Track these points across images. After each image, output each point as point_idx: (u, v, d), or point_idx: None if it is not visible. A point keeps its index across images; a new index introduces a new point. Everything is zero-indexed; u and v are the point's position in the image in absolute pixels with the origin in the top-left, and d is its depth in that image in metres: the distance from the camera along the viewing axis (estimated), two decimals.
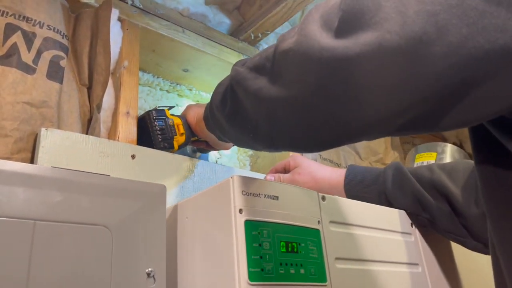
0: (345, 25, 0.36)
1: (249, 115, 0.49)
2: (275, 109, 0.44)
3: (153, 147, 0.78)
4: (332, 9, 0.39)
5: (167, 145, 0.79)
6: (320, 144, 0.45)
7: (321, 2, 0.42)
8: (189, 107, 0.84)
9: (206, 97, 1.26)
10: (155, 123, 0.79)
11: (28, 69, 0.69)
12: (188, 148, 1.00)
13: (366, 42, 0.34)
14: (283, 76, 0.42)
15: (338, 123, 0.40)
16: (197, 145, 0.89)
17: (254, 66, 0.48)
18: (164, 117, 0.80)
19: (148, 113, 0.81)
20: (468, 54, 0.31)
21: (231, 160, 1.21)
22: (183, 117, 0.82)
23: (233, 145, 0.89)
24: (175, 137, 0.79)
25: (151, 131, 0.79)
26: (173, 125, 0.80)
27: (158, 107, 0.83)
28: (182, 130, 0.80)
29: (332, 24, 0.38)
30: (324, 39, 0.37)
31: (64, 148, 0.66)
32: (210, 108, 0.62)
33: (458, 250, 0.84)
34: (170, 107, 0.84)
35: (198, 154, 1.02)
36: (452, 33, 0.31)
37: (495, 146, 0.41)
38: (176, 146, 0.80)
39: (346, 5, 0.37)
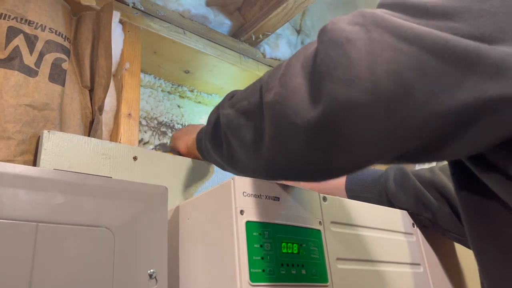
0: (320, 79, 0.38)
1: (246, 161, 0.52)
2: (268, 157, 0.47)
3: None
4: (309, 61, 0.41)
5: None
6: (320, 179, 0.49)
7: (299, 50, 0.45)
8: (176, 137, 0.85)
9: (207, 98, 1.26)
10: None
11: (30, 72, 0.69)
12: None
13: (342, 100, 0.36)
14: (272, 128, 0.44)
15: (331, 166, 0.43)
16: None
17: (244, 112, 0.50)
18: None
19: None
20: (433, 110, 0.34)
21: None
22: (173, 149, 0.83)
23: None
24: None
25: None
26: None
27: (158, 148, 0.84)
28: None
29: (311, 77, 0.40)
30: (307, 96, 0.39)
31: (66, 150, 0.66)
32: (204, 145, 0.63)
33: (461, 250, 0.84)
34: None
35: None
36: (417, 91, 0.34)
37: (472, 174, 0.43)
38: None
39: (320, 60, 0.39)
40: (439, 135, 0.36)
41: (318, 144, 0.40)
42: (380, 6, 0.40)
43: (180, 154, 0.82)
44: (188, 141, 0.79)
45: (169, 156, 0.78)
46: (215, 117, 0.57)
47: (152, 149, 1.05)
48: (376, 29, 0.36)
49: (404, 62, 0.34)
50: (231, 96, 0.56)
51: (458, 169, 0.47)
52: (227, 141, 0.54)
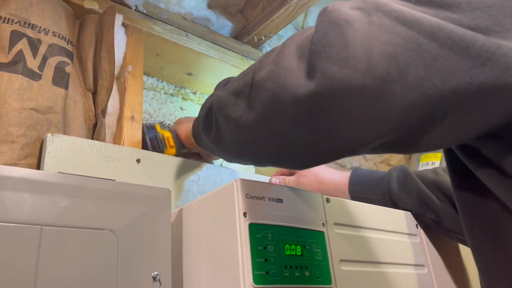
0: (316, 58, 0.38)
1: (232, 140, 0.52)
2: (254, 136, 0.47)
3: None
4: (305, 41, 0.41)
5: None
6: (301, 165, 0.49)
7: (296, 33, 0.45)
8: (179, 121, 0.86)
9: None
10: (146, 136, 0.83)
11: (34, 76, 0.70)
12: None
13: (336, 79, 0.36)
14: (260, 105, 0.44)
15: (315, 150, 0.43)
16: (188, 157, 0.90)
17: (234, 91, 0.50)
18: (155, 132, 0.84)
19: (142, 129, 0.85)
20: (425, 93, 0.35)
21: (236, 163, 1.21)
22: (173, 131, 0.84)
23: None
24: (165, 149, 0.82)
25: (143, 144, 0.83)
26: (163, 139, 0.83)
27: (148, 123, 0.87)
28: (172, 143, 0.83)
29: (306, 57, 0.40)
30: (299, 74, 0.40)
31: (70, 153, 0.66)
32: (196, 130, 0.64)
33: (464, 251, 0.83)
34: (160, 123, 0.88)
35: None
36: (411, 74, 0.35)
37: (469, 173, 0.43)
38: None
39: (316, 39, 0.39)
40: (428, 119, 0.36)
41: (305, 122, 0.40)
42: None
43: (178, 138, 0.82)
44: (188, 127, 0.80)
45: (172, 158, 0.78)
46: (209, 102, 0.57)
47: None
48: (376, 13, 0.37)
49: (401, 44, 0.35)
50: (226, 82, 0.57)
51: (455, 168, 0.47)
52: (216, 121, 0.54)
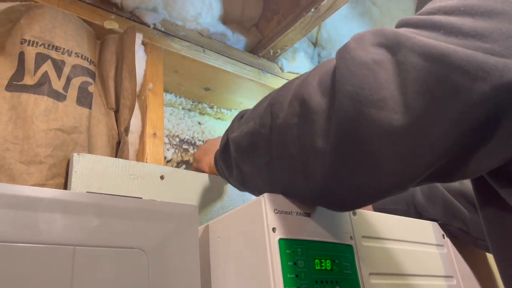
0: (344, 97, 0.37)
1: (259, 185, 0.52)
2: (290, 179, 0.46)
3: None
4: (327, 77, 0.40)
5: None
6: (341, 208, 0.49)
7: (314, 68, 0.44)
8: (198, 159, 0.84)
9: (227, 114, 1.27)
10: None
11: (59, 97, 0.71)
12: None
13: (374, 121, 0.36)
14: (288, 152, 0.43)
15: (361, 192, 0.42)
16: None
17: (252, 134, 0.49)
18: None
19: None
20: (466, 126, 0.35)
21: None
22: (198, 170, 0.84)
23: None
24: None
25: None
26: None
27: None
28: None
29: (329, 93, 0.39)
30: (329, 117, 0.39)
31: (95, 172, 0.67)
32: (220, 169, 0.63)
33: (493, 261, 0.82)
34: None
35: None
36: (449, 109, 0.34)
37: (493, 191, 0.43)
38: None
39: (342, 76, 0.38)
40: (469, 149, 0.36)
41: (344, 168, 0.39)
42: (403, 25, 0.39)
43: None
44: (210, 161, 0.79)
45: (196, 174, 0.79)
46: (225, 139, 0.57)
47: (175, 167, 1.06)
48: (400, 49, 0.36)
49: (432, 81, 0.34)
50: (240, 117, 0.56)
51: (480, 186, 0.46)
52: (236, 164, 0.54)
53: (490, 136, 0.35)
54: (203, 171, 0.81)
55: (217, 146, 0.65)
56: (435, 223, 0.76)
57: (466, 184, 0.76)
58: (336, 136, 0.38)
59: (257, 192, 0.56)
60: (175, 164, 1.08)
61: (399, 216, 0.71)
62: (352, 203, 0.46)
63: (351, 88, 0.37)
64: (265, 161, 0.47)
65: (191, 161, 1.10)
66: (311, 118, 0.40)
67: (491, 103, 0.33)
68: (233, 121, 0.58)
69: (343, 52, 0.39)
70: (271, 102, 0.47)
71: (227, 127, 0.59)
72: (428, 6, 0.39)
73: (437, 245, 0.73)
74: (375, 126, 0.36)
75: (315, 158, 0.41)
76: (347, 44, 0.40)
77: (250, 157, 0.50)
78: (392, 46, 0.37)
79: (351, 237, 0.60)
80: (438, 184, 0.78)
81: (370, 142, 0.37)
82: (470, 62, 0.33)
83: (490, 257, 0.82)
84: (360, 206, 0.46)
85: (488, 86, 0.33)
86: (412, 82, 0.35)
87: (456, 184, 0.77)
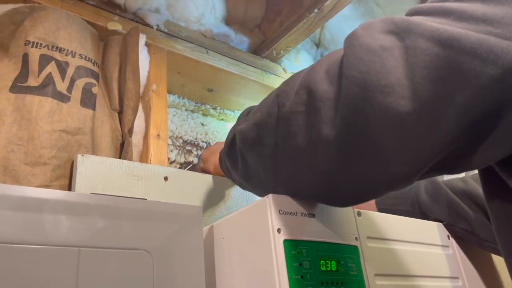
0: (351, 84, 0.37)
1: (262, 178, 0.51)
2: (290, 175, 0.45)
3: None
4: (335, 65, 0.40)
5: None
6: (345, 202, 0.47)
7: (322, 58, 0.43)
8: (205, 159, 0.84)
9: (230, 115, 1.27)
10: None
11: (63, 98, 0.71)
12: None
13: (380, 107, 0.35)
14: (294, 140, 0.42)
15: (367, 183, 0.41)
16: None
17: (257, 123, 0.48)
18: None
19: None
20: (476, 111, 0.34)
21: None
22: (204, 171, 0.84)
23: None
24: None
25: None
26: None
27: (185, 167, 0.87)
28: None
29: (337, 81, 0.39)
30: (336, 104, 0.38)
31: (99, 173, 0.67)
32: (224, 165, 0.63)
33: (498, 261, 0.82)
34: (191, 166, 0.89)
35: None
36: (459, 93, 0.34)
37: (502, 183, 0.42)
38: None
39: (349, 63, 0.38)
40: (480, 135, 0.35)
41: (349, 156, 0.39)
42: (414, 13, 0.39)
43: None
44: (215, 161, 0.79)
45: (200, 175, 0.79)
46: (232, 134, 0.57)
47: (179, 167, 1.06)
48: (409, 36, 0.36)
49: (442, 65, 0.34)
50: (247, 113, 0.55)
51: (488, 178, 0.46)
52: (242, 156, 0.53)
53: (498, 124, 0.34)
54: (208, 172, 0.81)
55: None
56: (440, 224, 0.76)
57: (471, 184, 0.75)
58: (342, 123, 0.37)
59: (259, 188, 0.55)
60: (178, 165, 1.08)
61: (403, 217, 0.71)
62: (356, 196, 0.44)
63: (358, 74, 0.37)
64: (271, 151, 0.46)
65: (194, 162, 1.10)
66: (318, 106, 0.40)
67: (502, 87, 0.33)
68: (240, 117, 0.58)
69: (351, 39, 0.39)
70: (278, 93, 0.46)
71: (234, 124, 0.59)
72: None
73: (442, 246, 0.73)
74: (382, 112, 0.35)
75: (321, 147, 0.40)
76: (355, 31, 0.39)
77: (256, 149, 0.49)
78: (401, 32, 0.36)
79: (356, 238, 0.59)
80: (443, 185, 0.77)
81: (376, 129, 0.36)
82: (482, 45, 0.33)
83: (495, 258, 0.82)
84: (364, 199, 0.45)
85: (499, 69, 0.32)
86: (420, 67, 0.34)
87: (460, 184, 0.76)
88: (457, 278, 0.71)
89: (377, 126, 0.36)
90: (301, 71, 0.46)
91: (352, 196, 0.45)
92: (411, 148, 0.36)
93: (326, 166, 0.41)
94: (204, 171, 0.82)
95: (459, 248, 0.76)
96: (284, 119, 0.44)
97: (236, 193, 0.82)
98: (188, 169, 0.87)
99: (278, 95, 0.46)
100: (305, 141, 0.41)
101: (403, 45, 0.36)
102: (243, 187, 0.61)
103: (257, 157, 0.50)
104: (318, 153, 0.41)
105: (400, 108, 0.35)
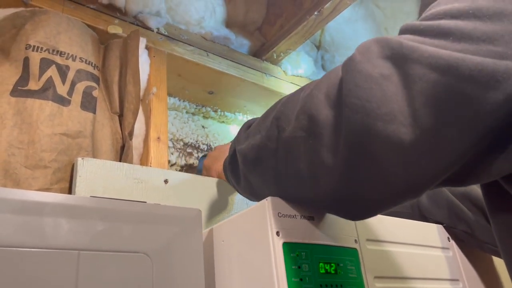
0: (352, 112, 0.37)
1: (270, 195, 0.52)
2: (298, 191, 0.46)
3: None
4: (334, 90, 0.40)
5: None
6: (352, 218, 0.49)
7: (320, 80, 0.43)
8: (208, 167, 0.84)
9: (230, 117, 1.28)
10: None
11: (64, 101, 0.71)
12: None
13: (382, 135, 0.35)
14: (296, 164, 0.43)
15: (359, 207, 0.42)
16: None
17: (259, 147, 0.49)
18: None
19: None
20: (480, 133, 0.34)
21: None
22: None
23: None
24: None
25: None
26: None
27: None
28: None
29: (337, 107, 0.39)
30: (337, 130, 0.38)
31: (100, 176, 0.67)
32: (229, 178, 0.63)
33: (498, 263, 0.81)
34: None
35: None
36: (461, 118, 0.34)
37: (505, 195, 0.42)
38: None
39: (348, 90, 0.38)
40: (485, 154, 0.35)
41: (353, 181, 0.39)
42: (409, 31, 0.39)
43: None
44: (218, 168, 0.79)
45: (200, 178, 0.79)
46: (232, 150, 0.57)
47: (180, 170, 1.06)
48: (406, 62, 0.36)
49: (441, 91, 0.34)
50: (247, 127, 0.56)
51: (491, 190, 0.46)
52: (244, 176, 0.54)
53: (502, 143, 0.34)
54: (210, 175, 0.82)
55: (226, 153, 0.66)
56: (440, 226, 0.76)
57: (471, 187, 0.75)
58: (344, 150, 0.38)
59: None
60: (179, 168, 1.09)
61: (403, 219, 0.71)
62: (363, 214, 0.45)
63: (359, 102, 0.37)
64: (272, 174, 0.47)
65: (195, 164, 1.10)
66: (319, 132, 0.40)
67: (504, 111, 0.32)
68: (240, 131, 0.58)
69: (349, 65, 0.39)
70: (277, 115, 0.46)
71: (234, 137, 0.59)
72: (433, 9, 0.38)
73: (443, 248, 0.73)
74: (384, 139, 0.35)
75: (324, 173, 0.41)
76: (353, 57, 0.40)
77: (257, 170, 0.50)
78: (399, 58, 0.36)
79: (355, 241, 0.59)
80: (443, 187, 0.77)
81: (379, 156, 0.36)
82: (481, 71, 0.32)
83: (496, 260, 0.82)
84: (371, 216, 0.46)
85: (501, 95, 0.32)
86: (420, 94, 0.34)
87: (460, 187, 0.76)
88: (458, 280, 0.71)
89: (380, 153, 0.36)
90: (299, 90, 0.46)
91: (358, 214, 0.46)
92: (415, 173, 0.37)
93: (329, 189, 0.42)
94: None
95: (460, 250, 0.76)
96: (285, 143, 0.44)
97: (236, 196, 0.83)
98: (186, 171, 0.87)
99: (277, 118, 0.46)
100: (306, 166, 0.42)
101: (401, 72, 0.36)
102: (249, 198, 0.62)
103: (259, 176, 0.51)
104: (320, 178, 0.41)
105: (402, 136, 0.35)
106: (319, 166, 0.41)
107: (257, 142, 0.49)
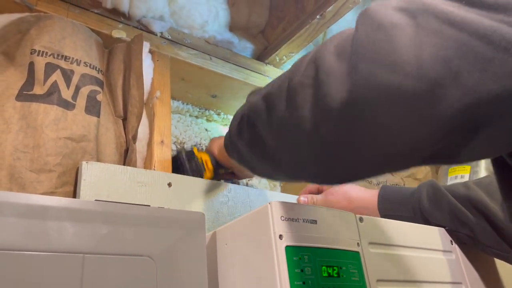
0: (359, 60, 0.37)
1: (269, 148, 0.50)
2: (296, 142, 0.45)
3: None
4: (345, 42, 0.40)
5: None
6: (340, 179, 0.46)
7: (334, 35, 0.43)
8: (212, 140, 0.87)
9: None
10: (187, 165, 0.85)
11: (68, 105, 0.72)
12: None
13: (384, 84, 0.35)
14: (300, 110, 0.42)
15: (358, 161, 0.41)
16: (226, 176, 0.92)
17: (268, 95, 0.48)
18: (194, 157, 0.85)
19: (178, 155, 0.87)
20: (480, 97, 0.33)
21: (261, 182, 1.22)
22: (209, 151, 0.85)
23: None
24: (205, 173, 0.84)
25: (182, 169, 0.84)
26: (202, 163, 0.84)
27: (186, 149, 0.90)
28: (210, 166, 0.84)
29: (346, 58, 0.38)
30: (341, 79, 0.38)
31: (104, 180, 0.68)
32: (229, 137, 0.63)
33: (501, 266, 0.81)
34: (196, 145, 0.90)
35: None
36: (466, 77, 0.33)
37: None
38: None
39: (358, 40, 0.38)
40: (480, 124, 0.34)
41: (351, 129, 0.38)
42: None
43: (214, 156, 0.84)
44: (221, 142, 0.80)
45: (203, 181, 0.79)
46: (241, 109, 0.57)
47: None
48: (423, 14, 0.35)
49: (453, 47, 0.33)
50: (259, 89, 0.55)
51: (505, 174, 0.45)
52: (249, 125, 0.52)
53: (506, 111, 0.34)
54: (212, 154, 0.83)
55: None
56: (443, 229, 0.76)
57: (473, 190, 0.75)
58: (347, 97, 0.37)
59: (261, 159, 0.54)
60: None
61: (406, 222, 0.71)
62: (352, 173, 0.44)
63: (367, 51, 0.36)
64: (278, 121, 0.46)
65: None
66: (324, 80, 0.39)
67: None
68: (249, 94, 0.58)
69: (363, 15, 0.39)
70: (290, 69, 0.47)
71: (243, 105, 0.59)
72: None
73: (445, 251, 0.73)
74: (386, 89, 0.35)
75: (325, 119, 0.40)
76: (368, 9, 0.39)
77: (264, 118, 0.49)
78: (414, 10, 0.36)
79: (358, 244, 0.60)
80: (444, 190, 0.78)
81: (380, 105, 0.36)
82: (495, 32, 0.32)
83: (499, 263, 0.82)
84: (358, 177, 0.45)
85: (511, 58, 0.32)
86: (430, 47, 0.34)
87: (462, 190, 0.76)
88: (460, 283, 0.71)
89: (381, 103, 0.36)
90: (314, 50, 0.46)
91: (348, 172, 0.44)
92: (412, 128, 0.36)
93: (328, 137, 0.41)
94: (209, 151, 0.84)
95: (462, 253, 0.76)
96: (292, 91, 0.44)
97: (240, 199, 0.83)
98: (174, 157, 0.87)
99: (289, 71, 0.46)
100: (310, 113, 0.41)
101: (414, 23, 0.35)
102: (243, 160, 0.60)
103: (264, 125, 0.49)
104: (321, 125, 0.41)
105: (403, 87, 0.34)
106: (321, 112, 0.40)
107: (268, 91, 0.49)
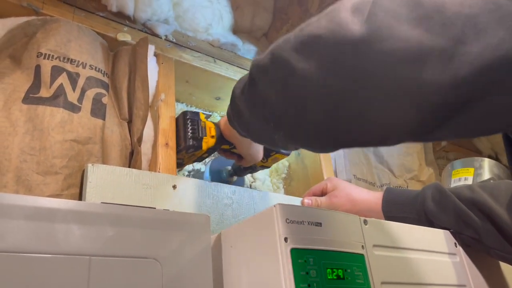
0: (379, 12, 0.36)
1: (272, 105, 0.48)
2: (304, 96, 0.43)
3: (183, 146, 0.81)
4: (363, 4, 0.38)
5: (195, 143, 0.80)
6: (336, 144, 0.45)
7: None
8: (222, 118, 0.86)
9: None
10: (188, 121, 0.82)
11: (74, 108, 0.72)
12: (224, 172, 1.03)
13: (405, 39, 0.34)
14: (312, 62, 0.41)
15: (364, 120, 0.39)
16: (228, 156, 0.90)
17: (273, 50, 0.46)
18: (198, 119, 0.83)
19: (183, 112, 0.84)
20: (504, 55, 0.32)
21: (265, 184, 1.22)
22: (217, 124, 0.84)
23: (262, 158, 0.88)
24: (204, 137, 0.80)
25: (183, 128, 0.81)
26: (205, 127, 0.82)
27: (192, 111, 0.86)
28: (213, 133, 0.81)
29: (365, 13, 0.37)
30: (359, 31, 0.37)
31: (109, 182, 0.68)
32: (231, 101, 0.61)
33: (506, 269, 0.81)
34: (207, 115, 0.87)
35: (234, 178, 1.04)
36: (490, 35, 0.32)
37: None
38: (205, 147, 0.81)
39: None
40: (500, 83, 0.33)
41: (361, 81, 0.37)
42: None
43: (220, 131, 0.82)
44: (225, 118, 0.80)
45: (208, 184, 0.80)
46: (245, 77, 0.54)
47: (187, 175, 1.07)
48: None
49: (478, 5, 0.33)
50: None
51: None
52: (252, 83, 0.50)
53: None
54: (219, 126, 0.82)
55: None
56: (447, 231, 0.76)
57: (477, 193, 0.76)
58: (362, 52, 0.36)
59: (261, 118, 0.52)
60: (186, 173, 1.10)
61: (410, 225, 0.71)
62: (347, 138, 0.43)
63: (388, 4, 0.36)
64: (282, 78, 0.44)
65: (202, 170, 1.11)
66: (338, 31, 0.38)
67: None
68: (254, 59, 0.55)
69: None
70: (300, 26, 0.45)
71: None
72: None
73: (450, 253, 0.73)
74: (405, 43, 0.34)
75: (333, 69, 0.39)
76: None
77: (269, 74, 0.47)
78: None
79: (362, 246, 0.60)
80: (449, 192, 0.78)
81: (398, 60, 0.35)
82: None
83: (503, 265, 0.81)
84: (352, 143, 0.44)
85: None
86: (454, 4, 0.34)
87: (467, 192, 0.77)
88: (465, 286, 0.71)
89: (397, 58, 0.35)
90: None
91: (344, 137, 0.43)
92: (425, 86, 0.35)
93: (331, 96, 0.40)
94: (217, 125, 0.82)
95: (467, 256, 0.76)
96: (306, 42, 0.42)
97: (244, 201, 0.83)
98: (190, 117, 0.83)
99: (300, 29, 0.45)
100: (320, 66, 0.40)
101: None
102: (243, 124, 0.59)
103: (268, 83, 0.48)
104: (329, 78, 0.39)
105: (424, 42, 0.34)
106: (332, 63, 0.39)
107: (274, 47, 0.46)
